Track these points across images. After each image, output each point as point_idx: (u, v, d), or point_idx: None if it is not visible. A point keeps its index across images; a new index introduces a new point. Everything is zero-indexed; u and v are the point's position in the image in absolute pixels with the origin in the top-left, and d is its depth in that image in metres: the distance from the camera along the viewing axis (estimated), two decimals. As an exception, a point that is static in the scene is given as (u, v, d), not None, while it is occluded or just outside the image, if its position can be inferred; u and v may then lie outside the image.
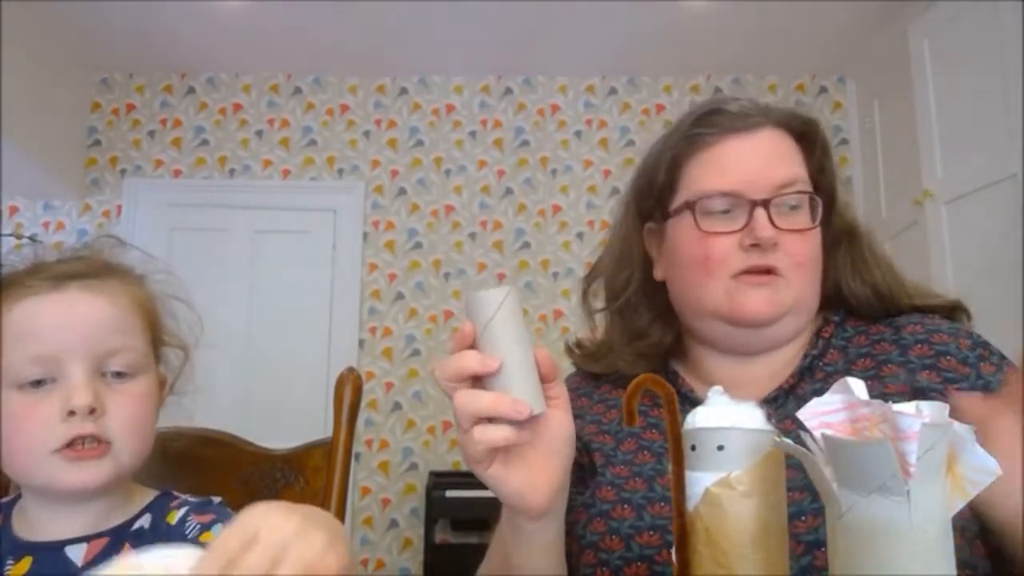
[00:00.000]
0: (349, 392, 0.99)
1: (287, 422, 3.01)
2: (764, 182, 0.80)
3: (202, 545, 0.63)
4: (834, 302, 0.87)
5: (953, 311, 0.86)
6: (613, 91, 3.93)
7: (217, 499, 0.76)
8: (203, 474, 0.94)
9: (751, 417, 0.48)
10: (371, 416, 3.61)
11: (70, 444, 0.67)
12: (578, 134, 3.90)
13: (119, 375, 0.71)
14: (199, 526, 0.70)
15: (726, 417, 0.48)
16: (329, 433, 0.99)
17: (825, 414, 0.46)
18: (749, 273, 0.80)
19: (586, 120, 3.91)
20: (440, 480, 3.27)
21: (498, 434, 0.60)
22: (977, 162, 2.72)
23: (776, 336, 0.84)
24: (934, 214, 2.89)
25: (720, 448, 0.47)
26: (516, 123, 3.90)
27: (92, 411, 0.67)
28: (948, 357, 0.78)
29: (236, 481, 0.98)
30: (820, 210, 0.82)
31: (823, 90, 3.91)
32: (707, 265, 0.81)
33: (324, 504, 0.96)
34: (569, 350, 0.96)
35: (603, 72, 3.90)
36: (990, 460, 0.42)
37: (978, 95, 2.72)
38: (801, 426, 0.46)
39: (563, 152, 3.89)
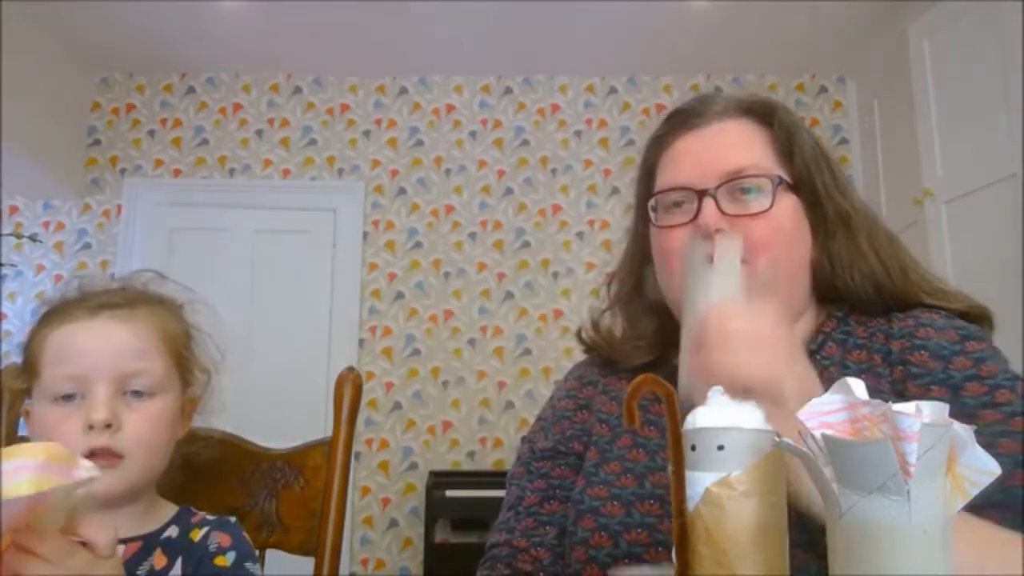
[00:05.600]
0: (349, 391, 0.99)
1: (287, 421, 3.00)
2: (712, 172, 0.82)
3: (216, 567, 0.77)
4: (837, 297, 0.85)
5: (967, 315, 0.81)
6: (613, 90, 3.93)
7: (232, 519, 0.83)
8: (203, 473, 0.93)
9: (751, 417, 0.48)
10: (371, 415, 3.61)
11: (91, 455, 0.73)
12: (578, 134, 3.90)
13: (138, 394, 0.79)
14: (218, 546, 0.79)
15: (726, 417, 0.48)
16: (329, 432, 0.99)
17: (825, 414, 0.46)
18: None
19: (586, 120, 3.91)
20: (440, 480, 3.27)
21: None
22: (977, 161, 2.72)
23: None
24: (934, 213, 2.89)
25: (720, 448, 0.47)
26: (516, 123, 3.90)
27: (108, 426, 0.75)
28: (923, 352, 0.76)
29: (236, 480, 0.98)
30: (774, 192, 0.80)
31: (823, 90, 3.91)
32: (667, 258, 0.84)
33: (324, 503, 0.96)
34: (579, 336, 0.98)
35: (603, 72, 3.90)
36: (990, 460, 0.42)
37: (978, 95, 2.72)
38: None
39: (563, 152, 3.89)
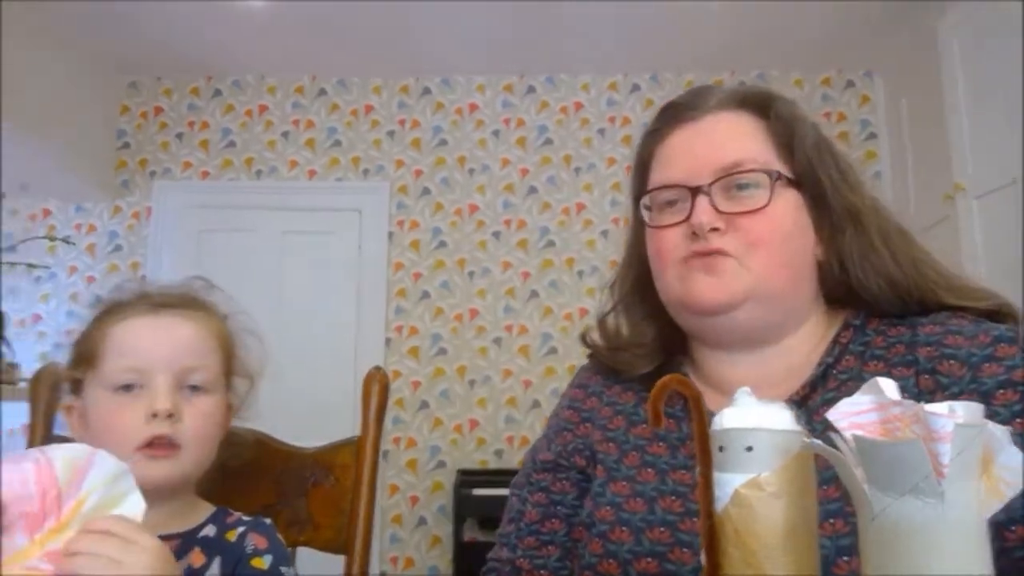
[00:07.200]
0: (376, 391, 1.00)
1: (315, 421, 3.03)
2: (706, 168, 0.78)
3: (253, 569, 0.78)
4: (854, 300, 0.81)
5: (995, 315, 0.76)
6: (636, 88, 3.91)
7: (268, 520, 0.84)
8: (236, 472, 0.95)
9: (780, 418, 0.48)
10: (399, 414, 3.64)
11: (150, 444, 0.77)
12: (601, 131, 3.89)
13: (194, 389, 0.81)
14: (255, 548, 0.81)
15: (754, 418, 0.48)
16: (357, 431, 0.99)
17: (855, 415, 0.45)
18: (697, 256, 0.78)
19: (609, 117, 3.90)
20: (467, 478, 3.29)
21: None
22: (1008, 156, 2.67)
23: (745, 325, 0.78)
24: (965, 209, 2.84)
25: (749, 449, 0.47)
26: (539, 121, 3.90)
27: (170, 415, 0.78)
28: (951, 361, 0.71)
29: (268, 479, 0.99)
30: (772, 187, 0.76)
31: (850, 84, 3.86)
32: (660, 258, 0.82)
33: (353, 501, 0.97)
34: (584, 339, 0.94)
35: (626, 69, 3.88)
36: (1026, 462, 0.41)
37: (1008, 88, 2.67)
38: (831, 427, 0.46)
39: (586, 150, 3.88)
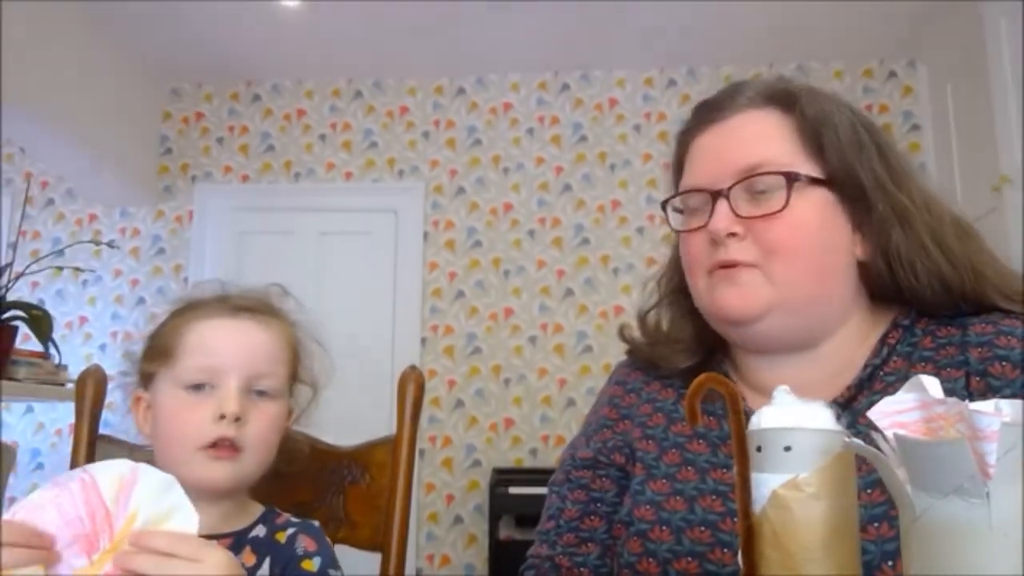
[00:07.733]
0: (412, 390, 1.00)
1: (351, 420, 3.06)
2: (727, 170, 0.77)
3: (303, 571, 0.79)
4: (903, 298, 0.78)
5: None
6: (672, 83, 3.87)
7: (316, 523, 0.86)
8: (277, 471, 0.96)
9: (819, 417, 0.47)
10: (434, 413, 3.65)
11: (213, 444, 0.79)
12: (637, 127, 3.86)
13: (261, 394, 0.83)
14: (305, 550, 0.82)
15: (793, 417, 0.47)
16: (393, 431, 1.00)
17: (897, 413, 0.44)
18: (720, 268, 0.77)
19: (645, 113, 3.87)
20: (503, 477, 3.29)
21: None
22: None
23: (773, 334, 0.77)
24: (1013, 201, 2.76)
25: (787, 449, 0.46)
26: (574, 119, 3.89)
27: (237, 419, 0.79)
28: (1004, 362, 0.69)
29: (306, 478, 1.00)
30: (789, 189, 0.74)
31: (892, 75, 3.78)
32: (688, 264, 0.82)
33: (390, 500, 0.97)
34: (622, 334, 0.94)
35: (661, 63, 3.85)
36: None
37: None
38: (872, 426, 0.45)
39: (621, 146, 3.85)
